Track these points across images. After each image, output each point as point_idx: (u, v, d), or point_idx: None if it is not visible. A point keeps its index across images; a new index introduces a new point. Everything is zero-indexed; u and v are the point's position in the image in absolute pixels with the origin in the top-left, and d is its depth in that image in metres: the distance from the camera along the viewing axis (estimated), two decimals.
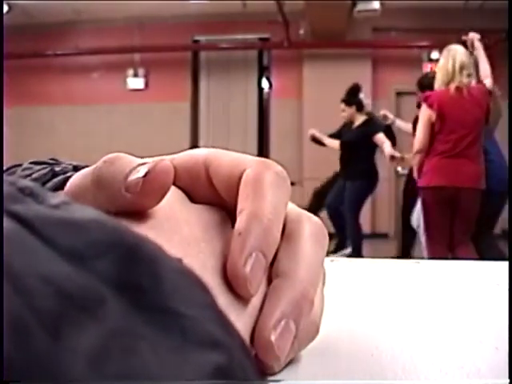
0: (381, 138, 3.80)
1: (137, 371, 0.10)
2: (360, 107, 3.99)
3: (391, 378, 0.23)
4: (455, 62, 2.59)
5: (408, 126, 3.75)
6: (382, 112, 4.03)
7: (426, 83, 2.95)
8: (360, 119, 3.97)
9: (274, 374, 0.22)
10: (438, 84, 2.66)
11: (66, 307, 0.10)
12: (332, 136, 4.24)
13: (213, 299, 0.14)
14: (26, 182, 0.14)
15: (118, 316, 0.11)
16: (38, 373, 0.09)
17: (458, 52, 2.63)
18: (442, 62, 2.66)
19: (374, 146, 3.89)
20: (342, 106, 4.02)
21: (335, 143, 4.09)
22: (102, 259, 0.12)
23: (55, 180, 0.26)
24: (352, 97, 4.01)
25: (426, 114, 2.61)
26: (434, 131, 2.61)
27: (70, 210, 0.13)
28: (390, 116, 3.93)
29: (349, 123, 4.08)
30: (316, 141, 4.37)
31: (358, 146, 3.85)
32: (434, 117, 2.59)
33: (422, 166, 2.69)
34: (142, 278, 0.12)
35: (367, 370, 0.24)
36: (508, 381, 0.23)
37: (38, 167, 0.28)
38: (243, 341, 0.14)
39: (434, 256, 2.70)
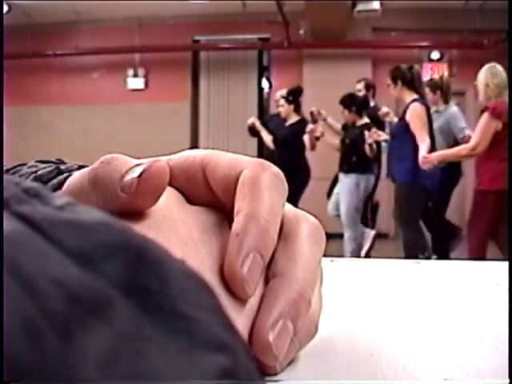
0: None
1: (146, 374, 0.10)
2: (297, 108, 4.24)
3: (391, 378, 0.23)
4: (502, 79, 2.98)
5: (338, 126, 4.20)
6: (316, 108, 4.29)
7: (399, 75, 3.35)
8: (294, 118, 4.21)
9: (275, 374, 0.22)
10: (486, 97, 3.00)
11: (76, 310, 0.10)
12: (262, 124, 4.43)
13: (218, 302, 0.14)
14: (31, 183, 0.14)
15: (127, 319, 0.11)
16: (49, 375, 0.09)
17: (502, 70, 3.01)
18: (486, 77, 3.00)
19: (301, 144, 4.15)
20: (282, 101, 4.22)
21: (268, 138, 4.25)
22: (109, 261, 0.12)
23: (60, 177, 0.26)
24: (294, 96, 4.23)
25: (492, 123, 2.93)
26: (495, 139, 2.94)
27: (75, 212, 0.13)
28: (323, 112, 4.25)
29: (282, 118, 4.26)
30: (252, 131, 4.48)
31: (290, 143, 4.04)
32: (500, 126, 2.92)
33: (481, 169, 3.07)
34: (149, 280, 0.12)
35: (367, 370, 0.24)
36: (508, 381, 0.23)
37: (44, 165, 0.28)
38: (246, 343, 0.14)
39: (480, 256, 2.98)
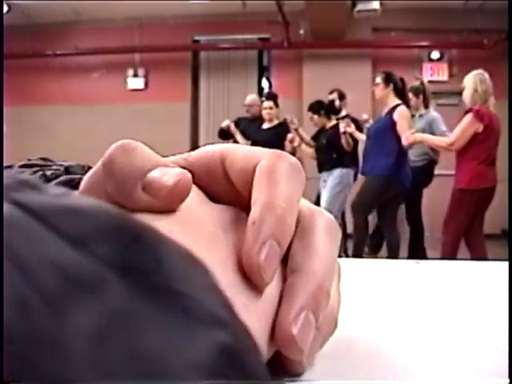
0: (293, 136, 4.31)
1: (141, 348, 0.10)
2: (278, 113, 4.42)
3: (391, 378, 0.23)
4: (488, 86, 3.20)
5: (307, 137, 4.39)
6: (289, 117, 4.45)
7: (392, 80, 3.61)
8: (274, 122, 4.36)
9: (302, 372, 0.22)
10: (472, 102, 3.19)
11: (68, 287, 0.10)
12: (235, 123, 4.52)
13: (215, 281, 0.14)
14: (27, 176, 0.14)
15: (121, 296, 0.11)
16: (39, 347, 0.09)
17: (488, 78, 3.22)
18: (475, 83, 3.21)
19: (283, 146, 4.23)
20: (271, 103, 4.35)
21: (244, 142, 4.29)
22: (104, 244, 0.12)
23: (49, 185, 0.26)
24: (276, 100, 4.42)
25: (473, 124, 3.15)
26: (474, 139, 3.17)
27: (70, 199, 0.13)
28: (295, 122, 4.42)
29: (257, 121, 4.37)
30: (224, 134, 4.52)
31: (268, 146, 3.98)
32: (481, 128, 3.13)
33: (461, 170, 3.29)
34: (144, 260, 0.12)
35: (367, 370, 0.24)
36: (508, 381, 0.23)
37: (29, 171, 0.28)
38: (246, 325, 0.14)
39: (452, 255, 3.16)
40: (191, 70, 7.23)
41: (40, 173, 0.27)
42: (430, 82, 4.92)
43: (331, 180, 4.06)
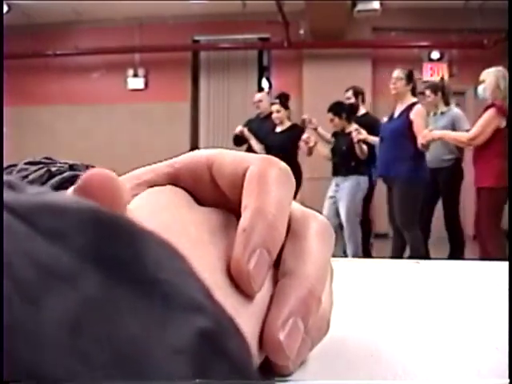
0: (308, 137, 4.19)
1: (119, 334, 0.11)
2: (289, 113, 4.29)
3: (391, 378, 0.23)
4: (506, 82, 3.17)
5: (328, 135, 4.28)
6: (308, 116, 4.36)
7: (412, 79, 3.62)
8: (286, 124, 4.23)
9: (289, 374, 0.22)
10: (493, 97, 3.16)
11: (44, 278, 0.10)
12: (247, 127, 4.41)
13: (192, 268, 0.14)
14: (6, 176, 0.14)
15: (98, 285, 0.11)
16: (14, 337, 0.09)
17: (506, 74, 3.22)
18: (497, 79, 3.18)
19: (296, 148, 4.16)
20: (277, 107, 4.21)
21: (258, 147, 4.22)
22: (80, 236, 0.12)
23: (52, 181, 0.26)
24: (287, 101, 4.27)
25: (496, 119, 3.12)
26: (497, 135, 3.11)
27: (48, 196, 0.13)
28: (314, 121, 4.31)
29: (269, 123, 4.26)
30: (238, 140, 4.43)
31: (282, 150, 3.95)
32: (503, 123, 3.09)
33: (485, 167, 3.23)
34: (121, 250, 0.12)
35: (367, 370, 0.24)
36: (508, 381, 0.23)
37: (34, 168, 0.28)
38: (227, 311, 0.14)
39: (492, 256, 3.04)
40: (191, 70, 7.23)
41: (45, 169, 0.27)
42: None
43: (349, 187, 3.98)
